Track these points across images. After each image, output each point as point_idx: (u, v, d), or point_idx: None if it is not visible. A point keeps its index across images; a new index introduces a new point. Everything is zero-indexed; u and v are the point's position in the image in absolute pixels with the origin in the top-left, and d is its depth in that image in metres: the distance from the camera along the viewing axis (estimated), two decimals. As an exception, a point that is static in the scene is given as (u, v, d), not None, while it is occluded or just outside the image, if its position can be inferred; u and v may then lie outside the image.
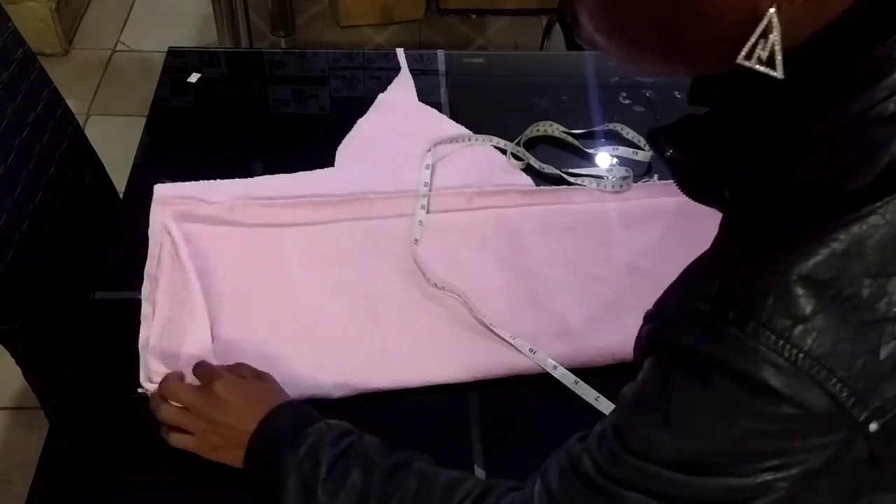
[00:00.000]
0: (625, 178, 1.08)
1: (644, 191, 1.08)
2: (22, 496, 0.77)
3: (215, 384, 0.77)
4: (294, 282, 0.94)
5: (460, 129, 1.16)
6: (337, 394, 0.85)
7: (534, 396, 0.87)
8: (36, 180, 1.11)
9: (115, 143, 1.38)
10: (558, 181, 1.10)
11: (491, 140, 1.14)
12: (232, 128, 1.19)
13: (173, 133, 1.18)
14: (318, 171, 1.08)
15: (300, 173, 1.07)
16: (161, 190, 1.03)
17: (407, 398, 0.86)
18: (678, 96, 1.25)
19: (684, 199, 1.02)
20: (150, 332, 0.87)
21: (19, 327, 1.08)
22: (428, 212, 1.03)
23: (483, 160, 1.12)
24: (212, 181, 1.04)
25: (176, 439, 0.77)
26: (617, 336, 0.88)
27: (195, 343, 0.86)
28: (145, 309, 0.90)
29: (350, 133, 1.15)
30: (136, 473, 0.80)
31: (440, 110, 1.21)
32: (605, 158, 1.15)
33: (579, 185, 1.08)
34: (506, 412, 0.87)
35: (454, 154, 1.12)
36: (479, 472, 0.81)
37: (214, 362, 0.84)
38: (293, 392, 0.83)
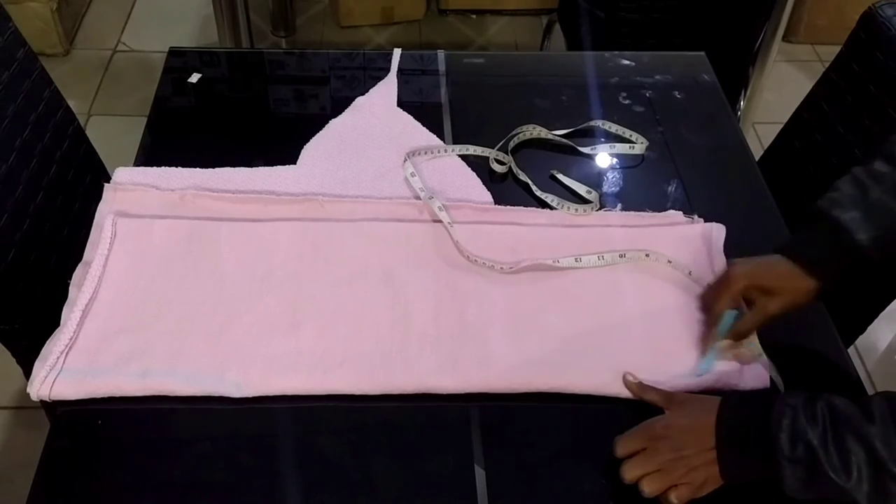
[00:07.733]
0: (589, 203, 1.06)
1: (601, 219, 1.05)
2: (24, 495, 0.77)
3: (656, 426, 0.79)
4: (223, 278, 0.94)
5: (432, 138, 1.15)
6: (238, 393, 0.84)
7: (534, 398, 0.87)
8: (37, 180, 1.11)
9: (116, 143, 1.38)
10: (530, 191, 1.08)
11: (468, 149, 1.13)
12: (232, 128, 1.19)
13: (174, 133, 1.18)
14: (278, 168, 1.08)
15: (260, 168, 1.08)
16: (120, 175, 1.04)
17: (409, 400, 0.86)
18: (678, 96, 1.25)
19: (634, 231, 1.01)
20: (70, 316, 0.88)
21: (20, 327, 1.08)
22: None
23: (448, 171, 1.10)
24: (171, 168, 1.05)
25: (652, 487, 0.77)
26: (538, 366, 0.87)
27: (94, 333, 0.87)
28: (72, 293, 0.91)
29: (320, 132, 1.14)
30: (136, 473, 0.80)
31: (440, 110, 1.21)
32: (604, 158, 1.15)
33: (548, 202, 1.06)
34: (505, 414, 0.87)
35: (422, 164, 1.10)
36: (479, 473, 0.81)
37: (121, 351, 0.85)
38: (193, 387, 0.84)
